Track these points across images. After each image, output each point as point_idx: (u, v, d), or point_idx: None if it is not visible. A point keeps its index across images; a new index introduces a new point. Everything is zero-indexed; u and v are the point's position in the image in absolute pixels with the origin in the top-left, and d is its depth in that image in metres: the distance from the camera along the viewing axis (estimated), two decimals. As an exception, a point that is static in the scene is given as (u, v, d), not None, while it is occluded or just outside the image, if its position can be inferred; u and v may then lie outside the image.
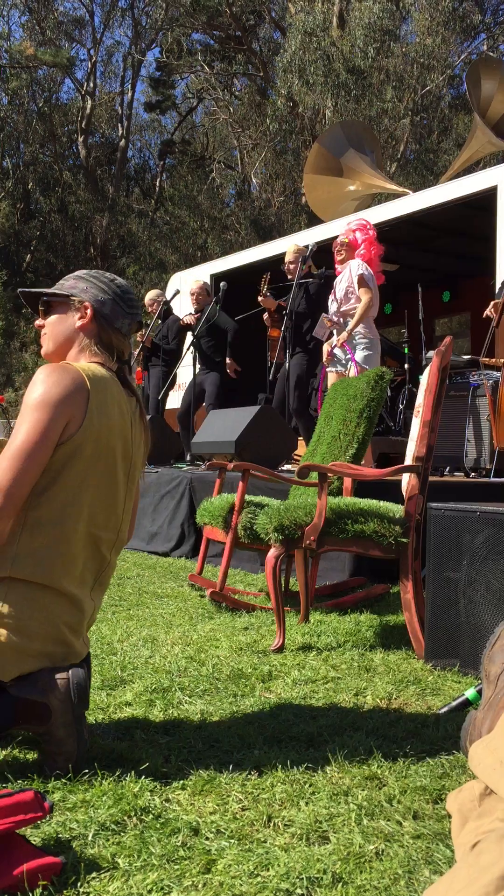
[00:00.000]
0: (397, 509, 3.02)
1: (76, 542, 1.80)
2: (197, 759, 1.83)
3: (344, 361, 5.51)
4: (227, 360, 7.10)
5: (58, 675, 1.74)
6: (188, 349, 7.11)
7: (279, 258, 6.73)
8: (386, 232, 7.26)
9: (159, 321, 7.82)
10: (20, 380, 22.02)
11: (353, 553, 3.48)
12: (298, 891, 1.30)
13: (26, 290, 1.97)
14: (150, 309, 7.94)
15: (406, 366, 7.44)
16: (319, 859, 1.39)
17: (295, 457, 5.91)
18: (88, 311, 1.90)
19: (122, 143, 27.22)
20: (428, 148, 21.66)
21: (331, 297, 5.70)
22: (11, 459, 1.73)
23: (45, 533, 1.76)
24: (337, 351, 5.52)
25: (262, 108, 22.65)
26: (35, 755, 1.85)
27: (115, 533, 1.91)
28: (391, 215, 7.74)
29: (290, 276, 6.27)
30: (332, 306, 5.67)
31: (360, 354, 5.39)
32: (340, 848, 1.44)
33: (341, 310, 5.57)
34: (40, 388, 1.76)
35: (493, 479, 5.27)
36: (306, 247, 6.29)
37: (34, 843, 1.41)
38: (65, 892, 1.30)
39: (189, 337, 7.21)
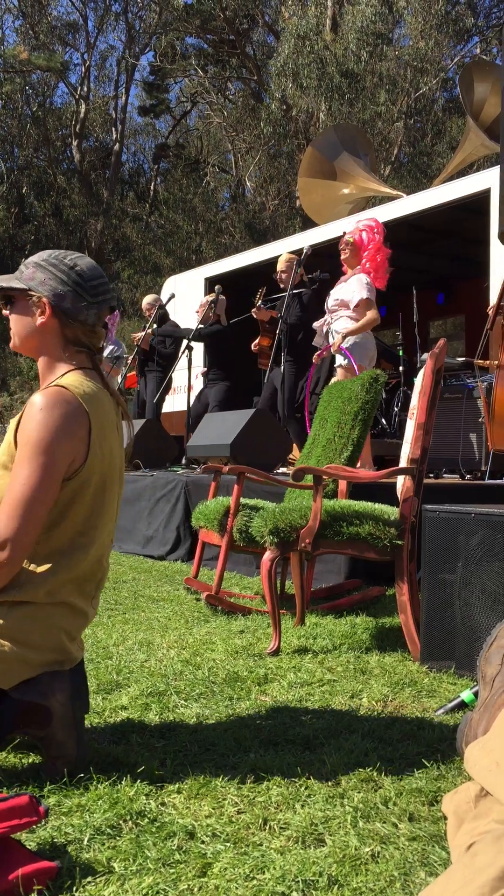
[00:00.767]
0: (392, 511, 3.02)
1: (85, 566, 1.78)
2: (193, 763, 1.83)
3: (344, 364, 5.51)
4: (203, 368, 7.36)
5: (58, 679, 1.74)
6: (183, 353, 7.13)
7: (273, 261, 6.74)
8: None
9: (154, 325, 7.85)
10: (15, 384, 21.97)
11: (349, 555, 3.48)
12: (294, 894, 1.30)
13: None
14: (146, 314, 8.01)
15: (401, 368, 7.44)
16: (315, 862, 1.39)
17: (290, 460, 5.91)
18: (47, 309, 1.79)
19: (117, 147, 27.26)
20: (421, 151, 21.73)
21: (327, 300, 5.67)
22: (16, 507, 1.65)
23: (53, 562, 1.73)
24: (338, 357, 5.52)
25: (255, 112, 22.72)
26: (30, 760, 1.85)
27: (111, 542, 1.91)
28: (385, 218, 7.75)
29: (282, 285, 6.30)
30: (327, 315, 5.63)
31: (348, 341, 5.36)
32: (336, 850, 1.44)
33: (334, 324, 5.54)
34: (41, 428, 1.66)
35: (487, 482, 5.28)
36: (300, 250, 6.30)
37: (29, 847, 1.40)
38: (60, 896, 1.30)
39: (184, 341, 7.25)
